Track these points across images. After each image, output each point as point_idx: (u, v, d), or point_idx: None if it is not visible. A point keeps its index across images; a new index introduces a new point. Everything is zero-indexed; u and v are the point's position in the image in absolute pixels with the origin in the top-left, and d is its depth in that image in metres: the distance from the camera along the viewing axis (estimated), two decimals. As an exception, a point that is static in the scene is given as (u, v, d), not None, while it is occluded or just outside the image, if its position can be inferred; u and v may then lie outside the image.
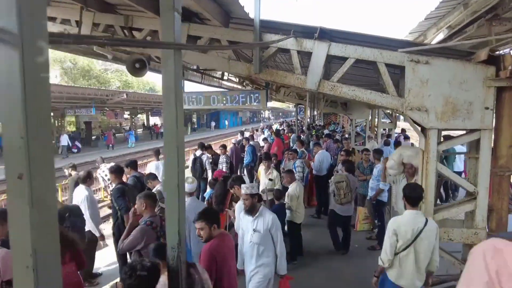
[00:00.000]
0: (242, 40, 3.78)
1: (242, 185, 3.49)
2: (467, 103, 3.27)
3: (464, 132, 3.51)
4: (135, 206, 3.24)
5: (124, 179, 4.91)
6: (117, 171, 4.61)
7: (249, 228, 3.41)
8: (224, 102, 7.73)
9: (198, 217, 2.76)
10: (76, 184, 5.07)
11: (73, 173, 5.74)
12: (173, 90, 1.67)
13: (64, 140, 20.71)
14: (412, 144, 10.23)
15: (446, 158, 8.98)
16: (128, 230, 3.19)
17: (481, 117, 3.25)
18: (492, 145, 3.35)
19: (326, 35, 3.52)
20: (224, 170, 7.62)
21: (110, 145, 24.17)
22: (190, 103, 7.79)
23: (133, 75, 4.40)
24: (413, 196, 3.07)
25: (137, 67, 4.40)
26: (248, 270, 3.44)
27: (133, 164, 5.18)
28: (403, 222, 3.06)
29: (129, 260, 3.81)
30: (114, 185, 4.67)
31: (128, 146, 24.46)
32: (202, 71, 8.20)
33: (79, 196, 4.61)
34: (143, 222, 3.11)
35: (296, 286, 4.72)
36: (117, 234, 4.12)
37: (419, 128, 3.49)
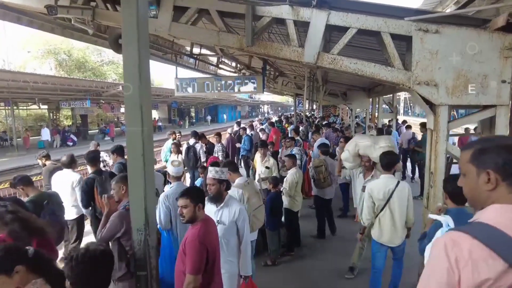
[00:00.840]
0: (233, 11, 3.45)
1: (210, 168, 3.09)
2: (482, 76, 2.95)
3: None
4: (113, 192, 2.93)
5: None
6: (91, 159, 4.29)
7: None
8: (219, 88, 7.42)
9: (181, 194, 2.41)
10: (53, 172, 4.76)
11: (48, 162, 5.22)
12: (135, 30, 1.34)
13: (45, 134, 20.05)
14: (414, 134, 9.91)
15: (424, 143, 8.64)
16: (105, 219, 2.88)
17: (497, 92, 2.94)
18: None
19: (325, 3, 3.18)
20: (220, 159, 7.31)
21: (109, 137, 23.85)
22: (182, 89, 7.48)
23: (116, 51, 4.08)
24: (385, 162, 3.53)
25: (121, 43, 4.09)
26: None
27: (119, 150, 4.84)
28: (376, 184, 3.52)
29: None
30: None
31: None
32: (195, 56, 7.86)
33: (71, 179, 4.33)
34: (122, 207, 2.81)
35: (294, 278, 4.47)
36: (95, 223, 3.84)
37: (427, 106, 3.18)
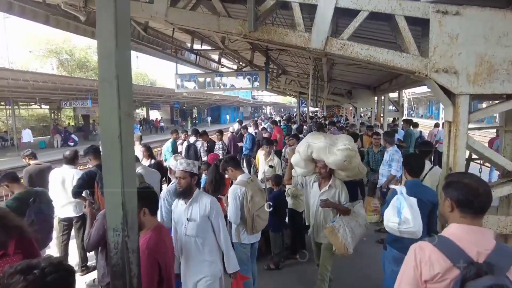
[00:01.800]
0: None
1: (180, 160, 2.82)
2: (508, 62, 2.68)
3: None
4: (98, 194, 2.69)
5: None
6: (95, 150, 4.09)
7: (182, 218, 2.71)
8: (220, 85, 7.19)
9: None
10: (34, 174, 4.55)
11: (31, 162, 4.80)
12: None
13: (26, 135, 19.56)
14: (421, 133, 9.61)
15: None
16: (90, 221, 2.64)
17: (524, 79, 2.67)
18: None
19: (334, -16, 2.93)
20: (220, 157, 7.06)
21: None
22: (182, 86, 7.25)
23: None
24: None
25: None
26: (189, 273, 2.68)
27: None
28: None
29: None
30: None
31: None
32: (196, 51, 7.63)
33: (76, 175, 4.09)
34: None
35: (298, 283, 4.20)
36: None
37: (446, 96, 2.91)
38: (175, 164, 3.50)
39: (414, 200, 2.63)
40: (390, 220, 2.72)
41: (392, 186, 2.70)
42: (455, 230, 1.44)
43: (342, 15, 3.15)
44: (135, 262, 1.27)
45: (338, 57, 3.19)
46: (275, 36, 3.09)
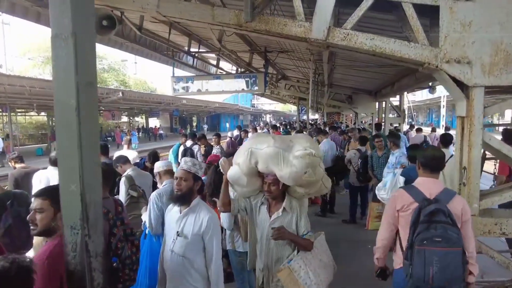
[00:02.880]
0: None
1: (185, 159, 2.39)
2: (526, 50, 2.48)
3: None
4: None
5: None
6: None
7: (173, 230, 2.26)
8: (218, 88, 7.01)
9: (38, 193, 1.72)
10: (20, 178, 4.31)
11: (18, 166, 4.50)
12: None
13: None
14: (425, 138, 9.37)
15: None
16: None
17: (544, 69, 2.46)
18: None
19: (336, -30, 2.74)
20: (218, 162, 6.80)
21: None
22: (179, 89, 7.06)
23: (98, 33, 3.65)
24: (444, 140, 4.76)
25: (105, 25, 3.66)
26: None
27: (103, 149, 4.35)
28: None
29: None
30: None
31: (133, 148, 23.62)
32: (193, 53, 7.46)
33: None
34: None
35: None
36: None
37: (458, 89, 2.69)
38: (160, 165, 3.27)
39: (402, 179, 3.69)
40: (377, 188, 4.26)
41: (396, 170, 3.89)
42: (419, 181, 2.30)
43: (346, 5, 2.97)
44: (100, 269, 1.02)
45: (341, 49, 2.98)
46: (273, 26, 2.89)
